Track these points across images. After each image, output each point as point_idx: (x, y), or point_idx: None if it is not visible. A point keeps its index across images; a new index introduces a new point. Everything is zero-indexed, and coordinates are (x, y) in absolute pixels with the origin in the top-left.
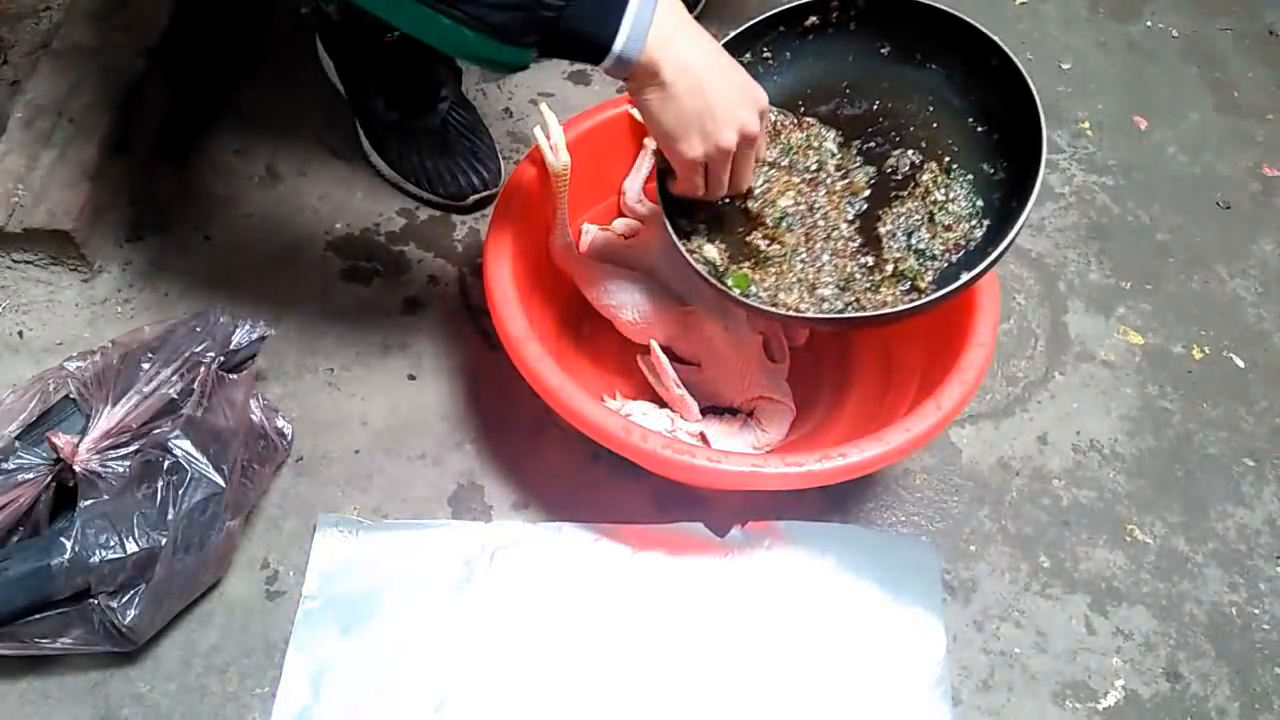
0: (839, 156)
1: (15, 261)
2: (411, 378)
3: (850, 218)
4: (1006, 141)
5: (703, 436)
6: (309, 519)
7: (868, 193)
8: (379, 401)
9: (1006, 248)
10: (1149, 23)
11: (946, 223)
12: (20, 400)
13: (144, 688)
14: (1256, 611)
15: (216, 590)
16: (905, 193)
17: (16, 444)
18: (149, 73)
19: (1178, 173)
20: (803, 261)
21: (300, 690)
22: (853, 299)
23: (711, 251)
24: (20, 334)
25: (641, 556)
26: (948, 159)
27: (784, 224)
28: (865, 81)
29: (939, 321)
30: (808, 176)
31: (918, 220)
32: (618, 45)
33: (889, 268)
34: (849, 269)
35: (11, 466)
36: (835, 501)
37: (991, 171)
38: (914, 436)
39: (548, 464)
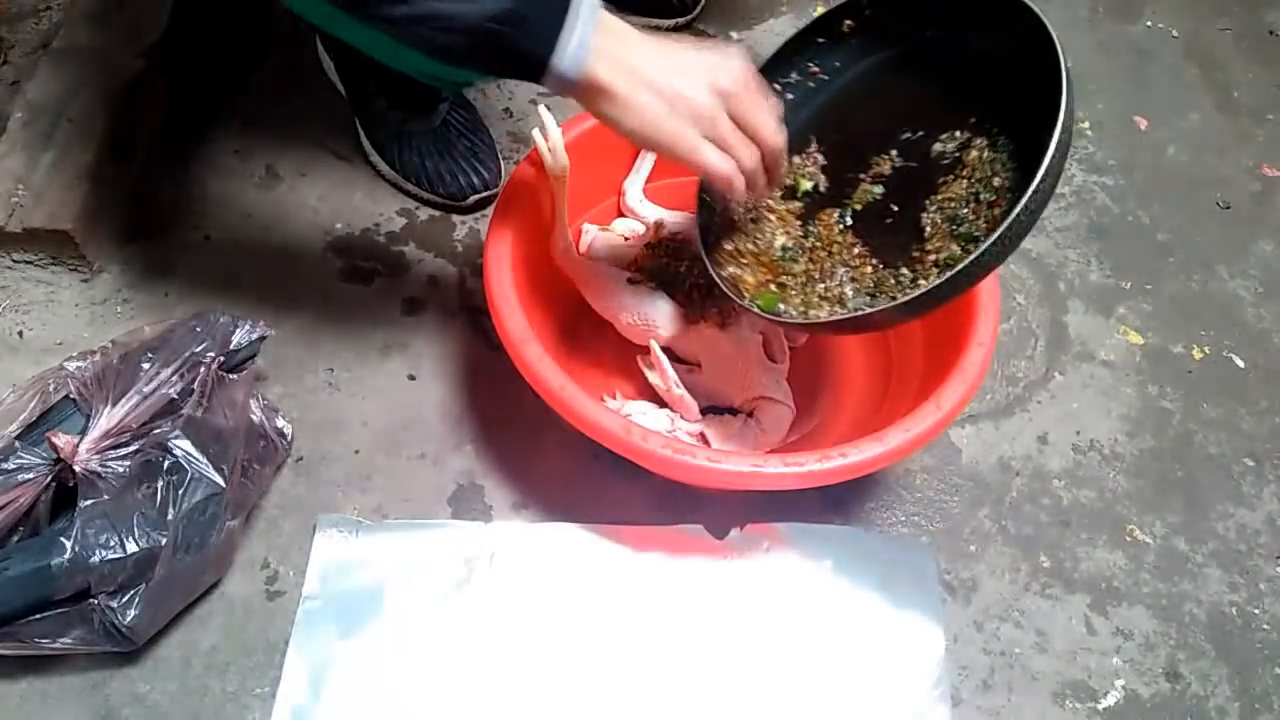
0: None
1: (15, 261)
2: (411, 378)
3: (844, 228)
4: (1048, 107)
5: (703, 436)
6: (309, 519)
7: (879, 191)
8: (379, 401)
9: (1009, 228)
10: (1149, 23)
11: (990, 199)
12: (20, 400)
13: (144, 688)
14: (1256, 611)
15: (216, 590)
16: (952, 176)
17: (16, 444)
18: (149, 73)
19: (1178, 173)
20: (822, 284)
21: (300, 690)
22: (891, 300)
23: (748, 276)
24: (20, 334)
25: (641, 557)
26: (996, 130)
27: (787, 256)
28: (912, 69)
29: (939, 321)
30: (796, 208)
31: (962, 201)
32: (556, 63)
33: (931, 258)
34: (877, 274)
35: (11, 466)
36: (835, 502)
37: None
38: (914, 436)
39: (548, 464)
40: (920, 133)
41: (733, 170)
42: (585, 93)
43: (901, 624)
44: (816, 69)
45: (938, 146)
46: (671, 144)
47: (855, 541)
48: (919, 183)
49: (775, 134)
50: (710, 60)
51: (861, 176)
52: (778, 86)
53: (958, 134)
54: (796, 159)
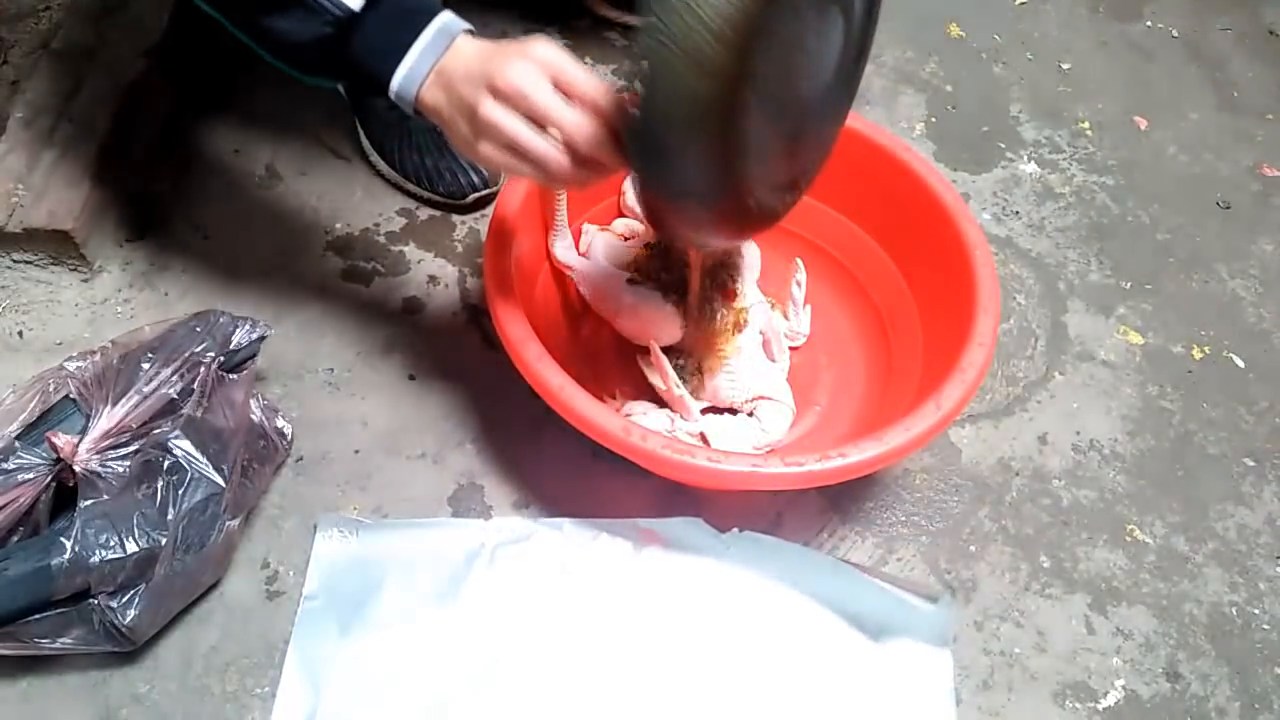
0: None
1: (15, 261)
2: (411, 378)
3: None
4: None
5: (703, 436)
6: (309, 519)
7: None
8: (379, 401)
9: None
10: (1149, 23)
11: None
12: (20, 400)
13: (144, 688)
14: (1256, 611)
15: (216, 590)
16: None
17: (16, 444)
18: (149, 73)
19: (1178, 173)
20: None
21: (300, 690)
22: None
23: None
24: (20, 334)
25: (643, 553)
26: None
27: None
28: None
29: (939, 321)
30: None
31: None
32: (394, 85)
33: None
34: None
35: (11, 466)
36: (835, 501)
37: None
38: (914, 436)
39: (548, 464)
40: None
41: (527, 167)
42: (426, 117)
43: (903, 660)
44: None
45: None
46: (486, 163)
47: (862, 589)
48: None
49: (549, 107)
50: (495, 63)
51: None
52: None
53: None
54: None
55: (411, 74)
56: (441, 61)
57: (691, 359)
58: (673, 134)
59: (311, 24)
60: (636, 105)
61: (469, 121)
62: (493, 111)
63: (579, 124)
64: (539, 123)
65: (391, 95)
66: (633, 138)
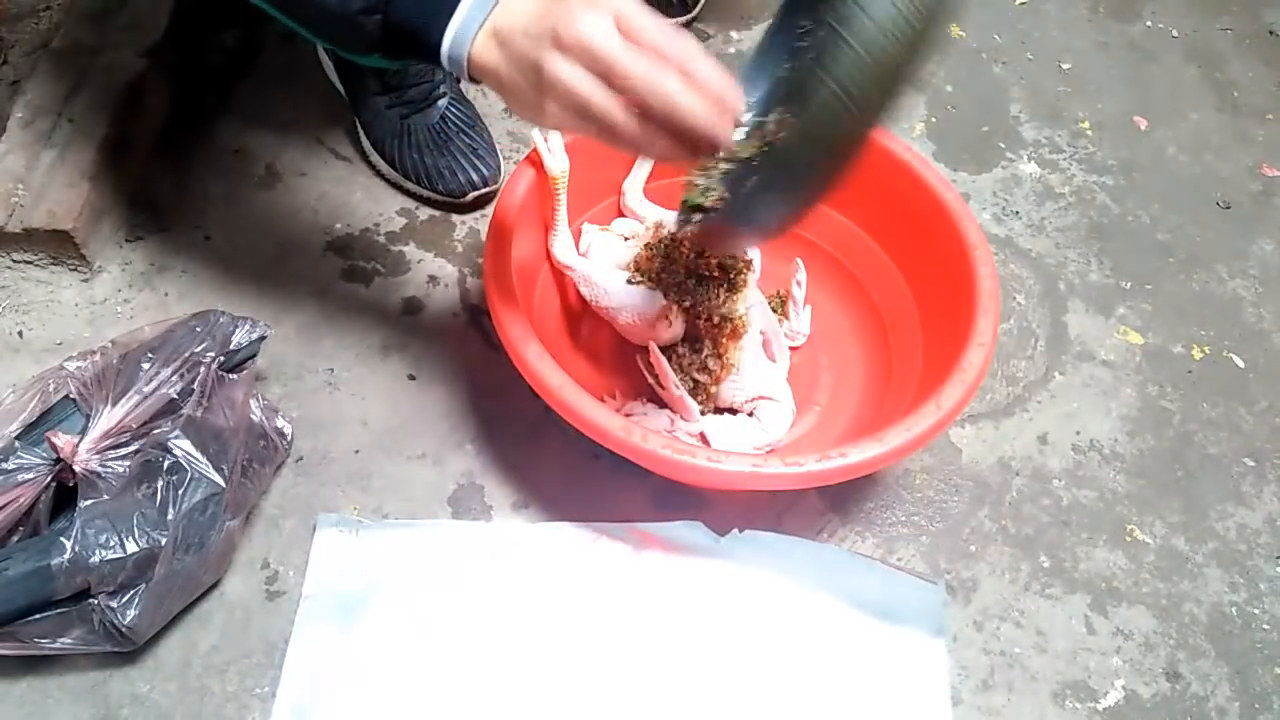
0: None
1: (15, 261)
2: (411, 378)
3: None
4: None
5: (703, 436)
6: (309, 519)
7: None
8: (379, 401)
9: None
10: (1149, 23)
11: None
12: (20, 400)
13: (144, 688)
14: (1256, 611)
15: (216, 590)
16: None
17: (16, 444)
18: (149, 73)
19: (1178, 173)
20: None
21: (300, 690)
22: None
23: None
24: (20, 334)
25: (641, 556)
26: None
27: None
28: None
29: (939, 321)
30: None
31: None
32: (445, 45)
33: None
34: None
35: (11, 466)
36: (835, 502)
37: None
38: (914, 436)
39: (548, 464)
40: None
41: (594, 128)
42: (482, 81)
43: (903, 646)
44: None
45: None
46: (550, 124)
47: (860, 571)
48: None
49: (621, 61)
50: (559, 13)
51: None
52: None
53: None
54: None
55: (463, 30)
56: (494, 16)
57: (692, 360)
58: (820, 158)
59: None
60: (785, 130)
61: (533, 80)
62: (560, 68)
63: (651, 80)
64: (609, 80)
65: (443, 59)
66: (770, 161)
